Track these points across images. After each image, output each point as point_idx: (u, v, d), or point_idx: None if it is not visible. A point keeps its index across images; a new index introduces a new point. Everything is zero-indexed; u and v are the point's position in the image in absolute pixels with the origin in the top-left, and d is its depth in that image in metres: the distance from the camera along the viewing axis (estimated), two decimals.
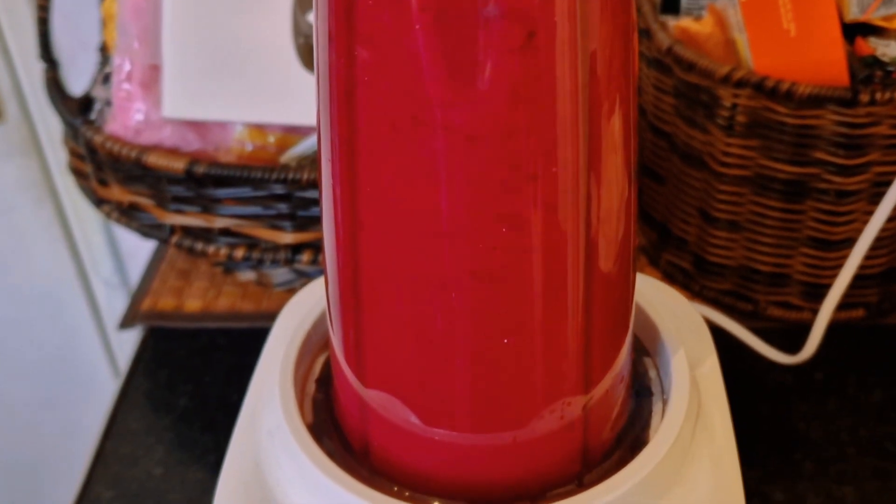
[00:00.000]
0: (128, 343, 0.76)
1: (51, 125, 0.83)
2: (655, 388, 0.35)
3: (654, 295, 0.37)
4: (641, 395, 0.35)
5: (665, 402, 0.34)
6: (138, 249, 0.85)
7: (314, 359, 0.37)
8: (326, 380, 0.36)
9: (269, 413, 0.34)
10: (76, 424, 0.93)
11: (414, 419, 0.31)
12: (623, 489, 0.30)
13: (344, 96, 0.27)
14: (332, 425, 0.34)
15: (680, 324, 0.36)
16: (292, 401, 0.33)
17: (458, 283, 0.28)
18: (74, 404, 0.99)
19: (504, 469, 0.31)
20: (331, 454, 0.32)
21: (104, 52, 0.60)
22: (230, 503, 0.32)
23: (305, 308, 0.37)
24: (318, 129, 0.30)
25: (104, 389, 0.96)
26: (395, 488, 0.32)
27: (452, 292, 0.27)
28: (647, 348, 0.36)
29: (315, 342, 0.37)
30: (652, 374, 0.35)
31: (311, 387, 0.36)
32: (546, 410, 0.30)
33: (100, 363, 0.98)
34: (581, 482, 0.32)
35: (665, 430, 0.32)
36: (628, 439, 0.33)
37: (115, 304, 0.94)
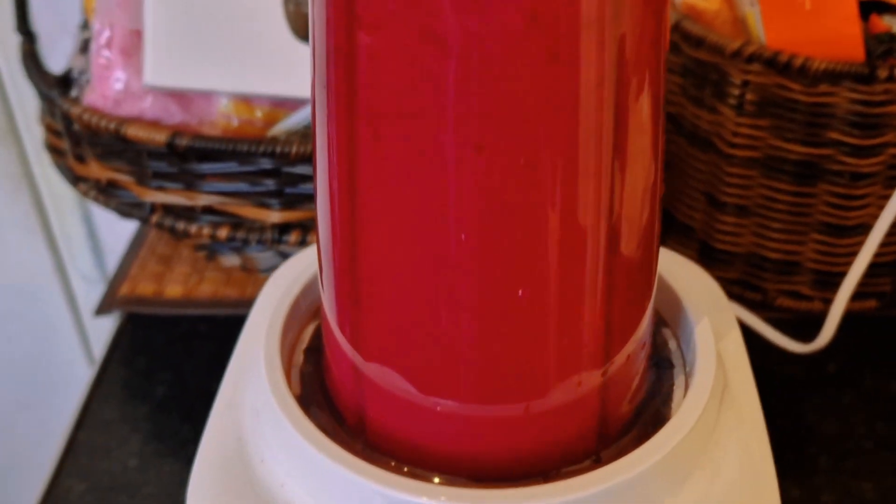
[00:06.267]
0: (106, 338, 0.73)
1: (28, 113, 0.80)
2: (676, 360, 0.32)
3: (672, 265, 0.34)
4: (661, 367, 0.32)
5: (687, 375, 0.31)
6: (118, 243, 0.82)
7: (303, 328, 0.34)
8: (316, 350, 0.33)
9: (253, 385, 0.31)
10: (51, 425, 0.89)
11: (415, 389, 0.28)
12: (644, 466, 0.27)
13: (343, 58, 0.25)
14: (322, 398, 0.31)
15: (700, 295, 0.33)
16: (279, 371, 0.30)
17: (469, 226, 0.25)
18: (50, 404, 0.95)
19: (514, 443, 0.28)
20: (322, 428, 0.29)
21: (85, 27, 0.58)
22: (208, 482, 0.29)
23: (292, 277, 0.34)
24: (312, 69, 0.27)
25: (81, 388, 0.92)
26: (394, 464, 0.29)
27: (463, 234, 0.25)
28: (665, 318, 0.34)
29: (304, 310, 0.34)
30: (672, 345, 0.33)
31: (300, 357, 0.33)
32: (562, 378, 0.27)
33: (77, 361, 0.95)
34: (598, 458, 0.29)
35: (690, 404, 0.29)
36: (648, 414, 0.30)
37: (93, 300, 0.91)
